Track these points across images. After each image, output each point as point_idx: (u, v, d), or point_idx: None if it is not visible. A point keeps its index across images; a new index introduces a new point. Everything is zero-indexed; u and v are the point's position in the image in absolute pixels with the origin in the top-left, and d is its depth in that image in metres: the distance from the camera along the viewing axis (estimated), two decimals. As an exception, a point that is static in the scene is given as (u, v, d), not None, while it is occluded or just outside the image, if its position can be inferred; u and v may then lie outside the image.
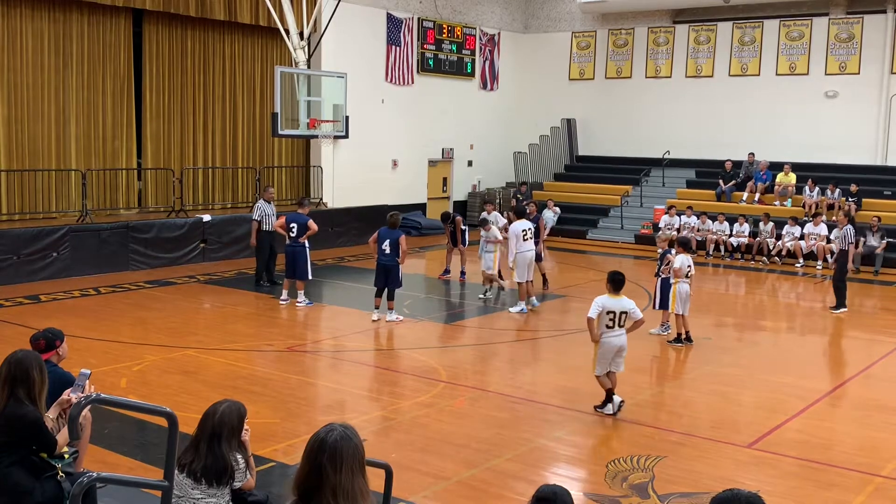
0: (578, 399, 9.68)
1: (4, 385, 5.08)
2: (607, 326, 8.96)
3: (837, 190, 21.63)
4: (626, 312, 9.00)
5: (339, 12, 19.93)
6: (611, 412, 9.00)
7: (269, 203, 16.00)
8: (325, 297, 15.06)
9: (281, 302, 14.55)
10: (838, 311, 14.99)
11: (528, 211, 15.78)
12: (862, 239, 19.91)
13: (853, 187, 21.36)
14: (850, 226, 15.25)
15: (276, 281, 16.11)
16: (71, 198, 18.18)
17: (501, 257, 15.65)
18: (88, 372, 5.43)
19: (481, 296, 15.38)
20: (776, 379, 10.82)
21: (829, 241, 20.16)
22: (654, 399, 9.90)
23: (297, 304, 14.42)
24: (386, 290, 13.44)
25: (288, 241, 14.62)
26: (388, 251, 13.32)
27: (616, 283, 9.14)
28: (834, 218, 20.89)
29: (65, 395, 5.33)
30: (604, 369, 9.02)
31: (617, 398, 9.04)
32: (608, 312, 8.94)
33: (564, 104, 27.68)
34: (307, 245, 14.54)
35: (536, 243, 15.54)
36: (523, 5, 28.65)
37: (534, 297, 14.61)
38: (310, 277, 14.61)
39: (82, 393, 5.30)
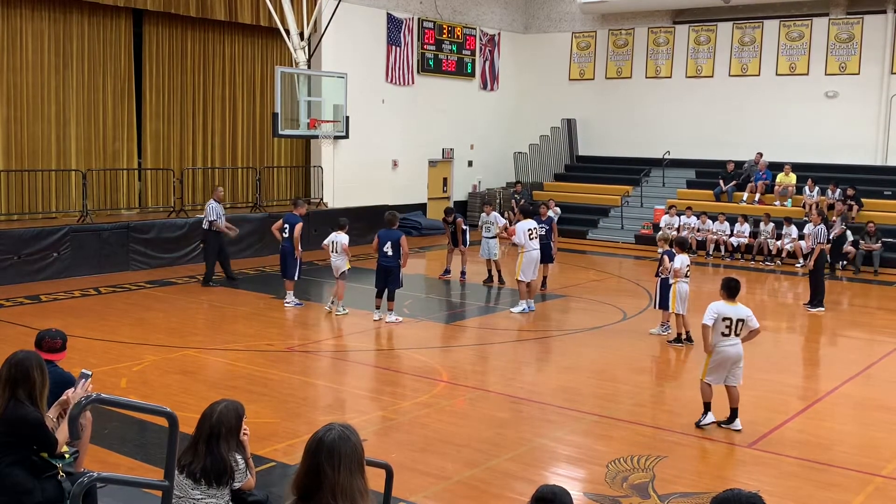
0: (578, 399, 9.68)
1: (5, 387, 5.08)
2: (723, 335, 8.51)
3: (838, 190, 21.63)
4: (742, 320, 8.55)
5: (339, 12, 19.94)
6: (712, 420, 8.62)
7: (220, 203, 16.06)
8: (325, 298, 15.04)
9: (286, 304, 14.54)
10: (815, 310, 15.03)
11: (540, 212, 15.88)
12: (861, 242, 19.91)
13: (849, 191, 21.32)
14: (822, 224, 15.29)
15: (234, 277, 16.29)
16: (71, 198, 18.18)
17: (503, 256, 15.70)
18: (90, 373, 5.44)
19: (328, 307, 14.13)
20: (776, 379, 10.82)
21: (828, 241, 20.13)
22: (654, 399, 9.90)
23: (286, 305, 14.35)
24: (386, 290, 13.44)
25: (281, 242, 14.63)
26: (389, 253, 13.27)
27: (732, 289, 8.68)
28: (834, 218, 20.98)
29: (65, 396, 5.33)
30: (717, 380, 8.61)
31: (737, 423, 8.62)
32: (724, 319, 8.49)
33: (564, 104, 27.68)
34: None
35: (549, 245, 15.62)
36: (523, 5, 28.65)
37: (531, 301, 14.55)
38: (296, 278, 14.44)
39: (82, 392, 5.31)
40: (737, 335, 8.59)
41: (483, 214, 17.09)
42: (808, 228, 16.46)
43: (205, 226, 16.10)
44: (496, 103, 27.83)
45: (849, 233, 20.29)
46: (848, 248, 19.97)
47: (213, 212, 15.88)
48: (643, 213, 24.11)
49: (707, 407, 8.74)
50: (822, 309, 15.12)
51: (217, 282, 16.20)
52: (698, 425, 8.71)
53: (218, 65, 20.98)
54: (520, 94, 28.56)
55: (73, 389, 5.35)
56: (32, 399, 5.11)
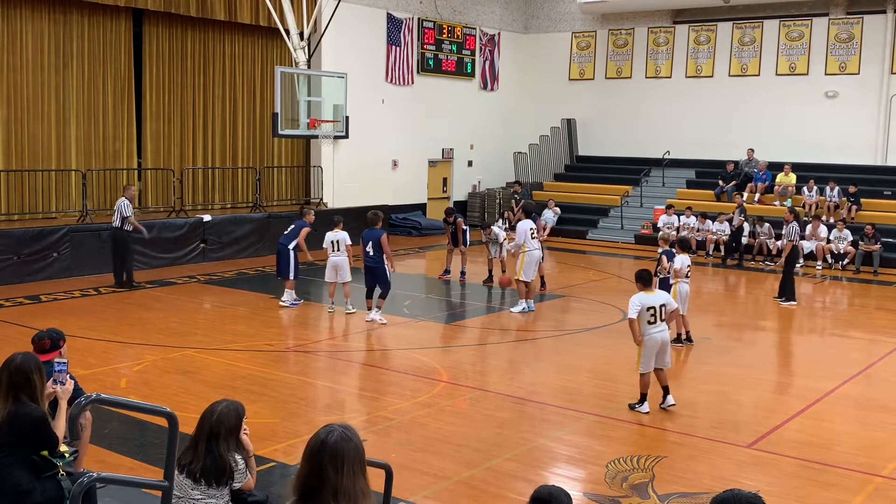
0: (578, 399, 9.69)
1: (8, 392, 5.09)
2: (649, 323, 9.00)
3: (837, 188, 21.64)
4: (664, 305, 9.13)
5: (339, 12, 19.94)
6: (646, 411, 9.08)
7: (131, 201, 15.55)
8: (325, 298, 15.07)
9: (281, 302, 14.52)
10: (787, 304, 15.47)
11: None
12: (861, 242, 19.91)
13: (851, 188, 21.37)
14: (795, 222, 15.78)
15: (135, 282, 15.74)
16: (71, 198, 18.18)
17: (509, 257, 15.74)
18: (65, 361, 5.47)
19: (331, 308, 14.09)
20: (776, 379, 10.83)
21: (828, 241, 20.19)
22: (653, 399, 9.88)
23: (282, 303, 14.29)
24: (377, 290, 13.36)
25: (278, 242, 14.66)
26: (371, 252, 13.14)
27: (645, 280, 9.23)
28: (831, 219, 21.01)
29: (49, 388, 5.34)
30: (648, 367, 9.07)
31: (670, 398, 9.19)
32: (648, 309, 8.98)
33: (564, 104, 27.68)
34: (290, 248, 14.20)
35: None
36: (523, 5, 28.65)
37: (531, 301, 14.54)
38: (291, 277, 14.28)
39: (63, 384, 5.35)
40: (662, 320, 9.09)
41: (485, 234, 16.95)
42: (784, 229, 16.65)
43: (115, 224, 15.39)
44: (496, 103, 27.82)
45: (746, 225, 21.05)
46: (848, 248, 19.98)
47: (127, 207, 15.32)
48: (643, 213, 24.10)
49: (644, 397, 9.18)
50: (794, 303, 15.44)
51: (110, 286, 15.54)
52: (632, 408, 9.19)
53: (218, 65, 20.98)
54: (520, 94, 28.55)
55: (53, 381, 5.35)
56: (34, 401, 5.13)
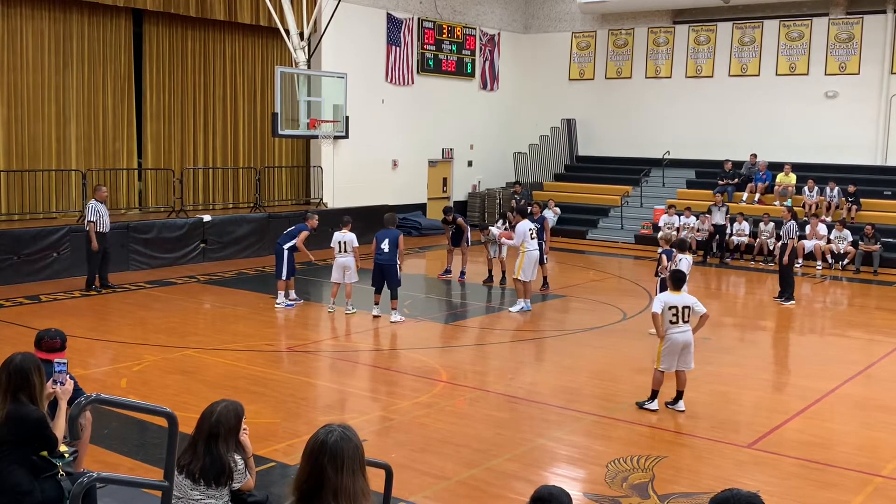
0: (578, 399, 9.69)
1: (7, 392, 5.09)
2: (671, 322, 9.12)
3: (836, 188, 21.64)
4: (688, 307, 9.18)
5: (339, 12, 19.93)
6: (655, 409, 9.16)
7: (103, 203, 15.10)
8: (325, 298, 15.06)
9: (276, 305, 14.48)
10: (787, 303, 15.52)
11: (531, 211, 15.88)
12: (861, 242, 19.92)
13: (851, 188, 21.38)
14: (792, 221, 15.92)
15: (109, 284, 15.45)
16: (71, 198, 18.18)
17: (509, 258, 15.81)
18: (65, 361, 5.48)
19: (331, 308, 14.06)
20: (776, 379, 10.82)
21: (829, 241, 20.19)
22: (661, 399, 9.89)
23: (276, 306, 14.27)
24: (387, 289, 13.43)
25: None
26: (386, 249, 13.34)
27: (676, 280, 9.35)
28: (828, 217, 21.02)
29: (49, 388, 5.34)
30: (670, 366, 9.16)
31: (681, 404, 9.26)
32: (670, 308, 9.09)
33: (564, 104, 27.68)
34: (286, 248, 14.17)
35: (541, 244, 15.65)
36: (523, 5, 28.64)
37: (529, 300, 14.53)
38: (283, 278, 14.22)
39: (63, 385, 5.37)
40: (685, 322, 9.18)
41: (483, 235, 17.12)
42: (783, 228, 16.82)
43: (86, 227, 15.11)
44: (496, 103, 27.82)
45: (728, 223, 21.15)
46: (848, 248, 19.99)
47: (92, 212, 14.96)
48: (643, 213, 24.10)
49: (655, 394, 9.25)
50: (793, 302, 15.52)
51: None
52: (640, 406, 9.25)
53: (218, 65, 20.98)
54: (520, 94, 28.55)
55: (52, 381, 5.36)
56: (33, 400, 5.13)
